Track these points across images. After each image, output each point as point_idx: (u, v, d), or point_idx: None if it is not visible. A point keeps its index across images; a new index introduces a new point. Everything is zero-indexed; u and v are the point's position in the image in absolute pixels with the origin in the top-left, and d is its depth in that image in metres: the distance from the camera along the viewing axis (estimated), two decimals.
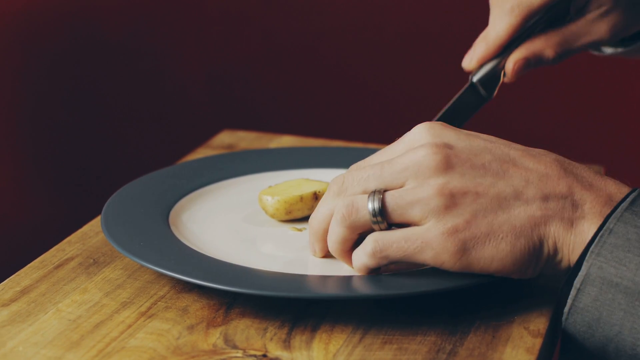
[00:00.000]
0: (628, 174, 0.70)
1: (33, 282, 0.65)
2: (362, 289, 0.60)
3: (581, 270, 0.58)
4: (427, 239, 0.59)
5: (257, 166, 0.83)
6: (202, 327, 0.60)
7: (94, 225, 0.74)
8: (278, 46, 1.56)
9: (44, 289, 0.64)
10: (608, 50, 0.82)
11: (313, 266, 0.66)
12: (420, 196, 0.59)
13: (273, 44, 1.56)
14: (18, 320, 0.60)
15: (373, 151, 0.75)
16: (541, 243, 0.59)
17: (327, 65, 1.56)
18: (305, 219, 0.73)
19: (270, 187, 0.75)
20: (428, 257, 0.59)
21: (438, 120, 0.76)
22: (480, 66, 0.78)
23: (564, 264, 0.60)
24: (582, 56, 1.47)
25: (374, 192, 0.60)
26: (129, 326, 0.60)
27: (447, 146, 0.60)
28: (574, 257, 0.59)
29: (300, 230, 0.72)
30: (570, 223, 0.59)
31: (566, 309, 0.58)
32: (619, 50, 0.81)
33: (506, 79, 0.77)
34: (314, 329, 0.59)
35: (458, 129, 0.62)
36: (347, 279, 0.62)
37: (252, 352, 0.57)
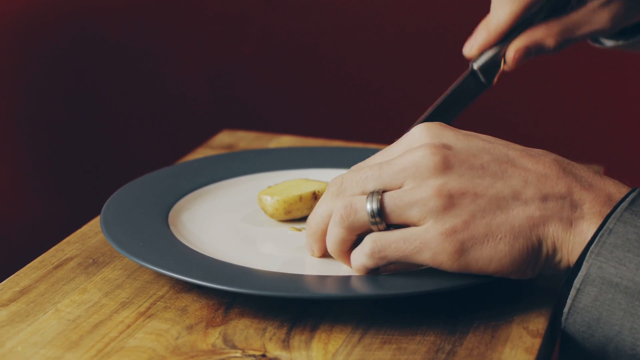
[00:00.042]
0: (628, 174, 0.70)
1: (32, 282, 0.65)
2: (361, 289, 0.60)
3: (581, 270, 0.57)
4: (426, 240, 0.59)
5: (257, 166, 0.83)
6: (201, 327, 0.60)
7: (93, 226, 0.74)
8: (278, 46, 1.56)
9: (43, 289, 0.64)
10: (608, 42, 0.82)
11: (312, 266, 0.66)
12: (419, 197, 0.59)
13: (272, 44, 1.56)
14: (17, 321, 0.60)
15: (373, 151, 0.75)
16: (540, 243, 0.59)
17: (327, 65, 1.56)
18: (304, 219, 0.73)
19: (269, 187, 0.75)
20: (426, 257, 0.59)
21: (437, 107, 0.76)
22: (481, 53, 0.77)
23: (563, 264, 0.60)
24: (581, 56, 1.47)
25: (372, 193, 0.60)
26: (128, 326, 0.60)
27: (446, 147, 0.60)
28: (574, 257, 0.59)
29: (299, 230, 0.72)
30: (569, 223, 0.59)
31: (566, 309, 0.58)
32: (620, 43, 0.81)
33: (506, 67, 0.77)
34: (313, 329, 0.59)
35: (457, 129, 0.62)
36: (346, 279, 0.62)
37: (251, 352, 0.57)
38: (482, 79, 0.77)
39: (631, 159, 1.51)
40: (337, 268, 0.64)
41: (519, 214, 0.59)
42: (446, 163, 0.59)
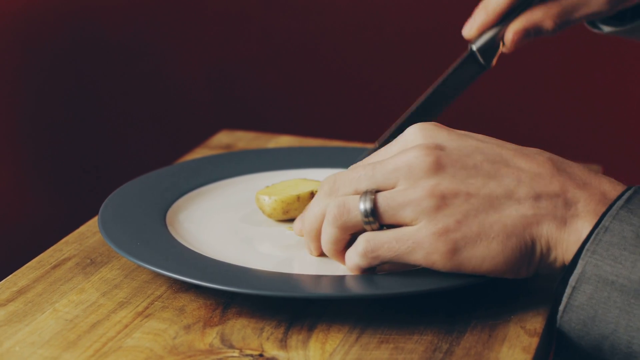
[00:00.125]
0: (626, 174, 0.70)
1: (30, 282, 0.65)
2: (359, 288, 0.60)
3: (576, 268, 0.57)
4: (418, 240, 0.59)
5: (255, 166, 0.83)
6: (198, 326, 0.60)
7: (91, 226, 0.74)
8: (277, 46, 1.56)
9: (41, 289, 0.64)
10: (606, 28, 0.82)
11: (310, 266, 0.66)
12: (412, 198, 0.59)
13: (272, 44, 1.56)
14: (15, 321, 0.60)
15: (372, 151, 0.75)
16: (533, 242, 0.59)
17: (326, 65, 1.56)
18: None
19: (267, 187, 0.75)
20: (419, 257, 0.59)
21: (436, 88, 0.76)
22: (480, 35, 0.77)
23: (559, 263, 0.60)
24: (581, 55, 1.47)
25: (365, 193, 0.60)
26: (126, 326, 0.60)
27: (439, 147, 0.60)
28: (569, 256, 0.59)
29: None
30: (564, 222, 0.59)
31: (561, 307, 0.58)
32: (618, 29, 0.81)
33: (505, 49, 0.77)
34: (311, 329, 0.60)
35: (451, 129, 0.62)
36: (344, 279, 0.62)
37: (249, 352, 0.57)
38: (481, 60, 0.77)
39: (629, 158, 1.51)
40: (334, 268, 0.65)
41: (512, 213, 0.59)
42: (439, 164, 0.60)
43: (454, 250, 0.58)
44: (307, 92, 1.58)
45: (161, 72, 1.57)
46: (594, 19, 0.80)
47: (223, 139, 0.98)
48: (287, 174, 0.82)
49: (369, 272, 0.62)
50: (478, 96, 1.51)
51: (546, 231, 0.59)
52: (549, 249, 0.59)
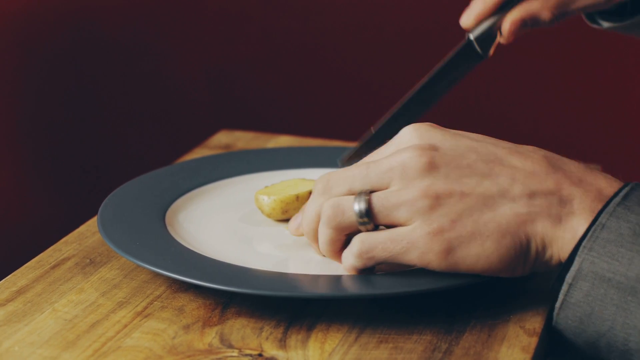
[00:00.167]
0: (626, 173, 0.70)
1: (29, 282, 0.65)
2: (358, 288, 0.60)
3: (573, 265, 0.57)
4: (413, 240, 0.59)
5: (254, 166, 0.83)
6: (198, 326, 0.60)
7: (91, 225, 0.74)
8: (276, 46, 1.56)
9: (40, 289, 0.64)
10: (606, 24, 0.81)
11: (309, 266, 0.66)
12: (406, 198, 0.59)
13: (271, 44, 1.56)
14: (14, 320, 0.60)
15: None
16: (528, 240, 0.59)
17: (326, 65, 1.56)
18: None
19: (266, 186, 0.75)
20: (414, 257, 0.59)
21: (432, 77, 0.76)
22: (478, 24, 0.77)
23: (555, 260, 0.60)
24: (580, 52, 1.47)
25: (360, 193, 0.60)
26: (125, 326, 0.60)
27: (433, 147, 0.60)
28: (565, 253, 0.59)
29: None
30: (559, 219, 0.59)
31: (558, 304, 0.58)
32: (617, 25, 0.81)
33: (502, 40, 0.76)
34: (310, 329, 0.60)
35: (446, 129, 0.62)
36: (343, 279, 0.62)
37: (248, 352, 0.57)
38: (478, 49, 0.77)
39: (629, 158, 1.51)
40: (333, 268, 0.65)
41: (506, 212, 0.59)
42: (433, 164, 0.60)
43: (449, 249, 0.58)
44: (307, 92, 1.58)
45: (161, 72, 1.57)
46: (592, 11, 0.80)
47: (222, 139, 0.98)
48: (287, 174, 0.82)
49: (367, 272, 0.62)
50: (477, 95, 1.51)
51: (541, 229, 0.59)
52: (544, 247, 0.59)
